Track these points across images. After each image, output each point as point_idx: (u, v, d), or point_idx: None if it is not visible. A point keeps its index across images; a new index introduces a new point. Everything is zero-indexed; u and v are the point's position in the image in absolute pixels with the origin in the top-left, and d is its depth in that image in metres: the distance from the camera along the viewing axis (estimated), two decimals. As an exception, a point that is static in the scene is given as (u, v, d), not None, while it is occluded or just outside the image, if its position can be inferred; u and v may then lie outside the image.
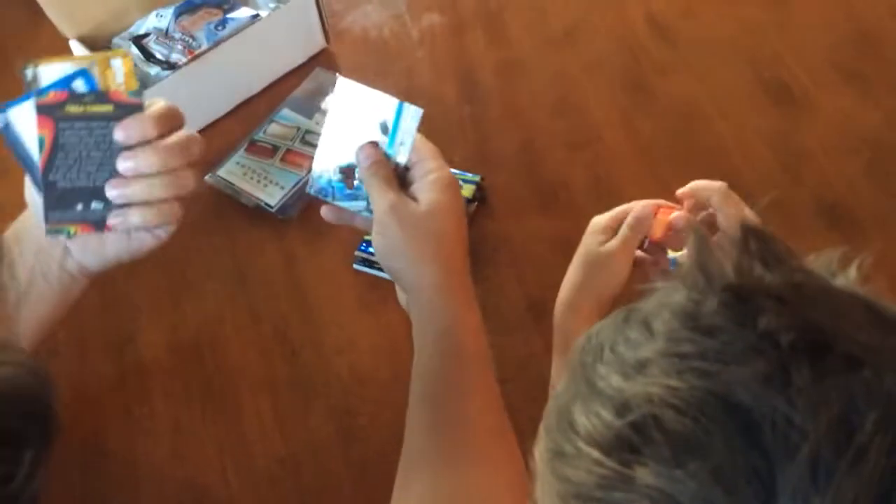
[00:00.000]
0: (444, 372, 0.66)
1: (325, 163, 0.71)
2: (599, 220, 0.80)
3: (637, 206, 0.79)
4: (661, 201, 0.79)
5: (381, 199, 0.67)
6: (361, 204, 0.71)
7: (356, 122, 0.70)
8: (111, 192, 0.63)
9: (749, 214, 0.73)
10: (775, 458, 0.29)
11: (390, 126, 0.69)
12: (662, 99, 1.08)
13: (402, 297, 0.73)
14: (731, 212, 0.73)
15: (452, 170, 1.00)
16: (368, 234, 0.70)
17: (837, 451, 0.29)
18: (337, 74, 0.75)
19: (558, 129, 1.07)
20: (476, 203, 1.00)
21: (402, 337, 0.75)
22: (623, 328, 0.36)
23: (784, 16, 1.14)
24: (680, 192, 0.78)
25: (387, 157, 0.69)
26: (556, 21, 1.18)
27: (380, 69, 1.14)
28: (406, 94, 1.10)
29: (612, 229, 0.79)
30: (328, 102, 0.70)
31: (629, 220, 0.78)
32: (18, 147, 0.63)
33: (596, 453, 0.33)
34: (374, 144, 0.69)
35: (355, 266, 0.96)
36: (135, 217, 0.63)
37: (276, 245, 0.99)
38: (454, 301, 0.67)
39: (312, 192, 0.72)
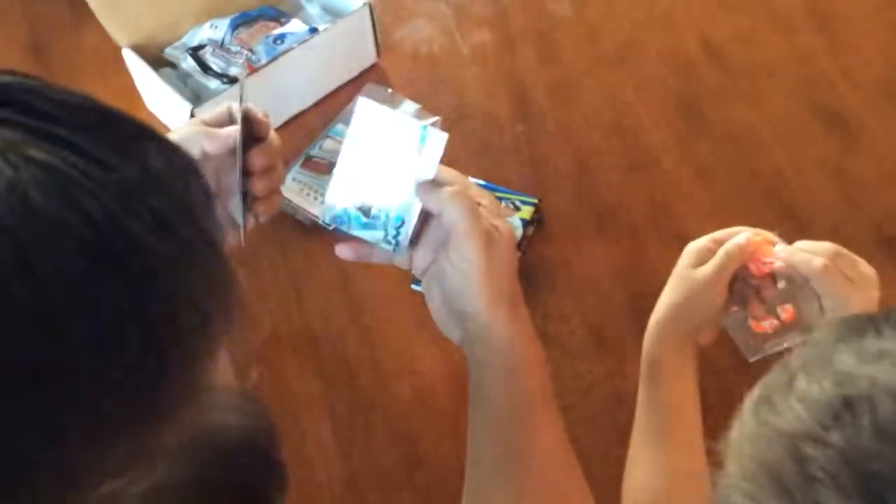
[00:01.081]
0: (512, 407, 0.65)
1: (342, 193, 0.65)
2: (695, 244, 0.79)
3: (739, 236, 0.78)
4: (766, 233, 0.78)
5: (470, 231, 0.62)
6: (380, 234, 0.65)
7: (377, 149, 0.64)
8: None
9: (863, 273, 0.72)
10: None
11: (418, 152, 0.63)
12: (717, 124, 1.07)
13: (453, 332, 0.67)
14: (834, 292, 0.72)
15: (510, 191, 1.01)
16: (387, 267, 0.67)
17: None
18: (358, 96, 0.70)
19: (614, 150, 1.06)
20: (534, 226, 0.99)
21: (463, 360, 0.75)
22: (879, 322, 0.37)
23: (836, 42, 1.14)
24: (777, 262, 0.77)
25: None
26: (607, 41, 1.17)
27: (430, 85, 1.13)
28: (458, 112, 1.11)
29: (711, 251, 0.78)
30: (350, 124, 0.64)
31: (728, 245, 0.77)
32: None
33: (801, 409, 0.35)
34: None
35: (413, 286, 0.95)
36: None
37: (332, 262, 0.98)
38: (525, 339, 0.65)
39: (327, 220, 0.67)
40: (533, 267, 0.97)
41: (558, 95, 1.12)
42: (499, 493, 0.64)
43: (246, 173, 0.68)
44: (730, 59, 1.13)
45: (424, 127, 0.63)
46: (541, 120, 1.10)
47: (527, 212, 0.98)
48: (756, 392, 0.40)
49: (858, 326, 0.38)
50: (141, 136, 0.34)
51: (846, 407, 0.33)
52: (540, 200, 1.00)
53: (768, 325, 0.88)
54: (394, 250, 0.66)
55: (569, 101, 1.11)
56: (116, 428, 0.30)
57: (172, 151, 0.35)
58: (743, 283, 0.79)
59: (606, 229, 1.00)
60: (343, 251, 0.66)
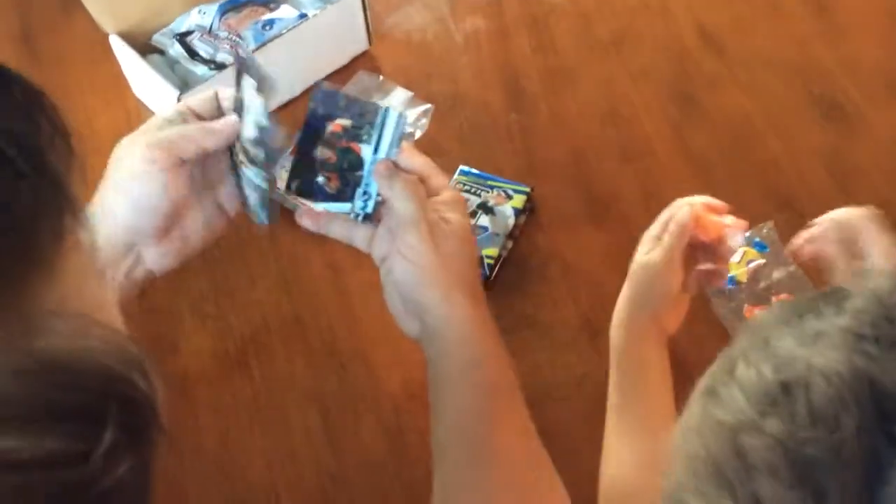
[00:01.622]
0: (476, 406, 0.62)
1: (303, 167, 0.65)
2: (649, 232, 0.78)
3: (678, 213, 0.76)
4: (704, 199, 0.77)
5: (414, 219, 0.60)
6: (346, 206, 0.64)
7: (336, 129, 0.63)
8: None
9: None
10: None
11: (375, 135, 0.63)
12: (713, 112, 1.06)
13: (409, 326, 0.64)
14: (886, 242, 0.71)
15: (502, 179, 0.99)
16: (346, 243, 0.64)
17: None
18: (323, 81, 0.69)
19: (608, 139, 1.05)
20: (525, 214, 0.98)
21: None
22: (820, 300, 0.36)
23: (834, 31, 1.13)
24: (808, 235, 0.76)
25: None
26: (601, 28, 1.16)
27: (423, 73, 1.12)
28: (451, 100, 1.10)
29: (661, 238, 0.77)
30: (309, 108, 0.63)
31: (671, 227, 0.76)
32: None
33: (741, 398, 0.34)
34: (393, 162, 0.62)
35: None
36: None
37: (322, 253, 0.97)
38: (485, 333, 0.63)
39: (292, 189, 0.66)
40: (525, 256, 0.96)
41: (552, 83, 1.10)
42: (466, 493, 0.62)
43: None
44: (725, 47, 1.12)
45: (387, 109, 0.62)
46: (534, 108, 1.08)
47: (519, 200, 0.97)
48: (701, 383, 0.39)
49: (801, 307, 0.37)
50: None
51: (783, 393, 0.33)
52: (532, 189, 0.98)
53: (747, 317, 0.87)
54: (360, 219, 0.64)
55: (563, 89, 1.10)
56: None
57: (16, 84, 0.35)
58: (701, 255, 0.77)
59: (600, 218, 0.99)
60: (307, 221, 0.65)
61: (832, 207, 0.97)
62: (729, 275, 0.85)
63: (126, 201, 0.62)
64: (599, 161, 1.03)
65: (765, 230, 0.91)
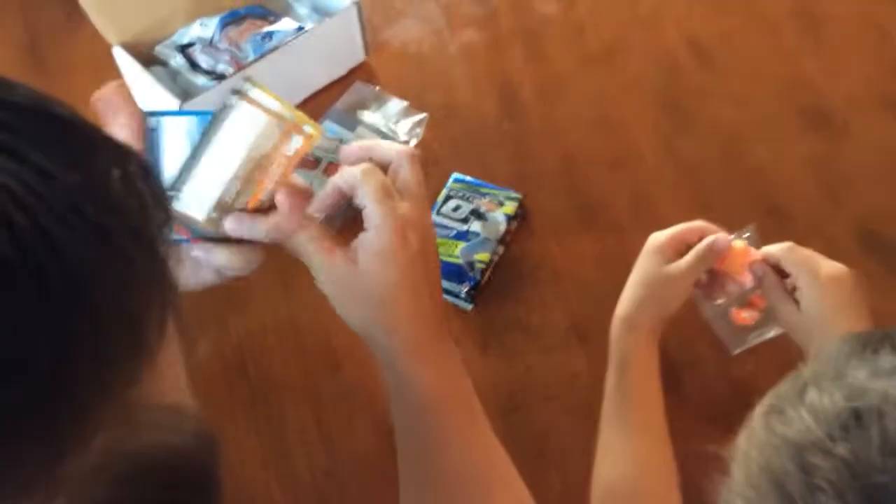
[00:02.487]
0: (427, 450, 0.62)
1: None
2: (658, 239, 0.81)
3: (712, 238, 0.80)
4: (721, 235, 0.81)
5: (312, 268, 0.60)
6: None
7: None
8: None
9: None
10: None
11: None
12: (702, 121, 1.08)
13: (352, 315, 0.63)
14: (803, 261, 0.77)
15: (494, 186, 1.02)
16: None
17: None
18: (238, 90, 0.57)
19: (599, 147, 1.07)
20: (517, 221, 1.00)
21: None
22: (894, 337, 0.37)
23: (820, 42, 1.15)
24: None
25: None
26: (594, 39, 1.18)
27: (418, 83, 1.15)
28: (446, 109, 1.12)
29: (673, 248, 0.80)
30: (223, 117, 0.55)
31: (702, 249, 0.79)
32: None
33: (810, 420, 0.35)
34: (298, 194, 0.57)
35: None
36: None
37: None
38: (430, 370, 0.60)
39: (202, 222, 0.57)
40: (516, 260, 0.98)
41: (545, 93, 1.13)
42: None
43: None
44: (715, 59, 1.14)
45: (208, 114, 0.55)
46: (527, 117, 1.11)
47: (510, 207, 0.99)
48: (766, 401, 0.40)
49: (872, 342, 0.38)
50: (96, 144, 0.32)
51: (855, 419, 0.33)
52: (524, 196, 1.01)
53: (749, 316, 0.89)
54: None
55: (555, 98, 1.12)
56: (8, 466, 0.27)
57: (130, 160, 0.32)
58: (712, 279, 0.81)
59: (590, 224, 1.01)
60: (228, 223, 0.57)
61: (818, 213, 1.00)
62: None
63: None
64: (590, 168, 1.05)
65: (747, 234, 0.93)
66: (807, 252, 0.78)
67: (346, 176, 0.59)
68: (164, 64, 1.08)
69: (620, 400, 0.78)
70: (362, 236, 0.58)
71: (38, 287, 0.27)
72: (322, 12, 1.14)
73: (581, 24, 1.20)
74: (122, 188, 0.31)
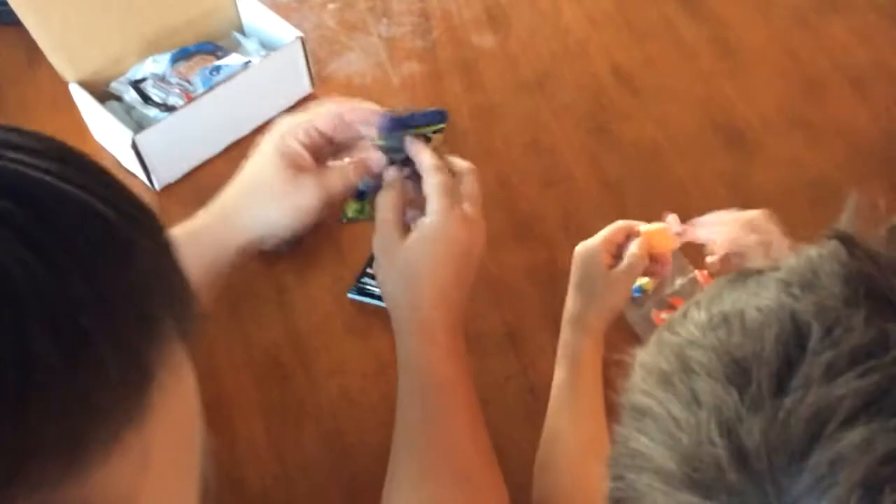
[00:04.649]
0: (422, 423, 0.69)
1: None
2: (593, 246, 0.87)
3: (635, 243, 0.86)
4: (654, 226, 0.88)
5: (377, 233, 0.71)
6: None
7: None
8: None
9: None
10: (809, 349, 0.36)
11: None
12: (626, 141, 1.16)
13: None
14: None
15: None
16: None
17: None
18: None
19: (531, 167, 1.14)
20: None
21: (390, 360, 0.81)
22: (761, 270, 0.43)
23: (736, 66, 1.24)
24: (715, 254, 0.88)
25: None
26: (527, 70, 1.26)
27: (363, 113, 1.21)
28: (388, 136, 1.19)
29: (609, 252, 0.86)
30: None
31: (633, 251, 0.86)
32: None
33: (692, 328, 0.42)
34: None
35: (350, 295, 1.02)
36: None
37: (267, 278, 1.05)
38: (440, 353, 0.70)
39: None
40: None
41: (481, 119, 1.20)
42: (408, 478, 0.68)
43: None
44: (638, 84, 1.23)
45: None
46: (464, 141, 1.18)
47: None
48: (661, 328, 0.47)
49: (747, 274, 0.45)
50: (126, 246, 0.30)
51: (723, 321, 0.40)
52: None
53: (668, 317, 0.96)
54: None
55: (490, 123, 1.20)
56: None
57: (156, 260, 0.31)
58: (653, 262, 0.88)
59: (522, 237, 1.08)
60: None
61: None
62: (636, 285, 0.94)
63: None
64: (523, 186, 1.12)
65: (669, 218, 1.00)
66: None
67: (422, 161, 0.72)
68: (119, 99, 1.14)
69: (570, 391, 0.83)
70: (421, 221, 0.69)
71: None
72: (269, 47, 1.20)
73: (515, 56, 1.28)
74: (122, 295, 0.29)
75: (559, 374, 0.85)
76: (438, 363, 0.70)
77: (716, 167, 1.13)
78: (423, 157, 0.73)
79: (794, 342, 0.37)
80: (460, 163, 0.76)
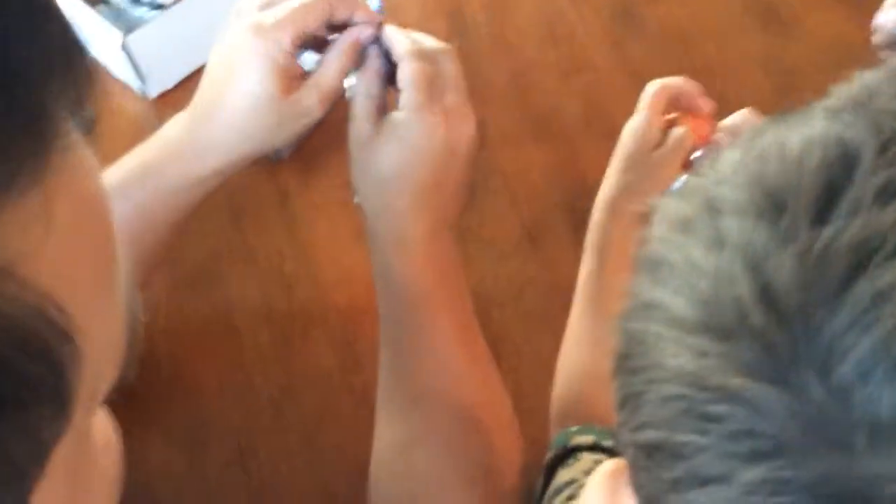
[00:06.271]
0: (406, 344, 0.64)
1: None
2: (644, 123, 0.78)
3: (679, 129, 0.79)
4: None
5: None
6: None
7: None
8: None
9: None
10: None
11: None
12: (651, 25, 1.07)
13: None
14: None
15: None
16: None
17: None
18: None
19: (549, 59, 1.06)
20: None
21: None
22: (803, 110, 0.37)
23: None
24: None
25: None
26: (541, -46, 1.17)
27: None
28: (394, 32, 1.11)
29: (660, 128, 0.78)
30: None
31: (678, 132, 0.78)
32: None
33: (720, 168, 0.35)
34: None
35: (357, 200, 0.95)
36: None
37: (270, 184, 0.99)
38: (417, 265, 0.63)
39: None
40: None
41: (493, 10, 1.12)
42: (394, 401, 0.65)
43: None
44: (664, -38, 1.13)
45: None
46: (476, 35, 1.10)
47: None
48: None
49: (789, 113, 0.37)
50: None
51: (759, 156, 0.34)
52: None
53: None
54: None
55: (503, 15, 1.11)
56: None
57: None
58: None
59: (541, 134, 1.00)
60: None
61: (768, 104, 0.98)
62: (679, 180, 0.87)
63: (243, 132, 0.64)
64: (540, 80, 1.05)
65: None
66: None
67: (395, 46, 0.62)
68: (105, 2, 1.08)
69: (597, 288, 0.75)
70: (394, 115, 0.60)
71: None
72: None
73: (528, -60, 1.18)
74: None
75: (587, 265, 0.77)
76: (415, 275, 0.62)
77: (748, 48, 1.04)
78: (398, 41, 0.63)
79: (840, 165, 0.30)
80: (431, 44, 0.65)
